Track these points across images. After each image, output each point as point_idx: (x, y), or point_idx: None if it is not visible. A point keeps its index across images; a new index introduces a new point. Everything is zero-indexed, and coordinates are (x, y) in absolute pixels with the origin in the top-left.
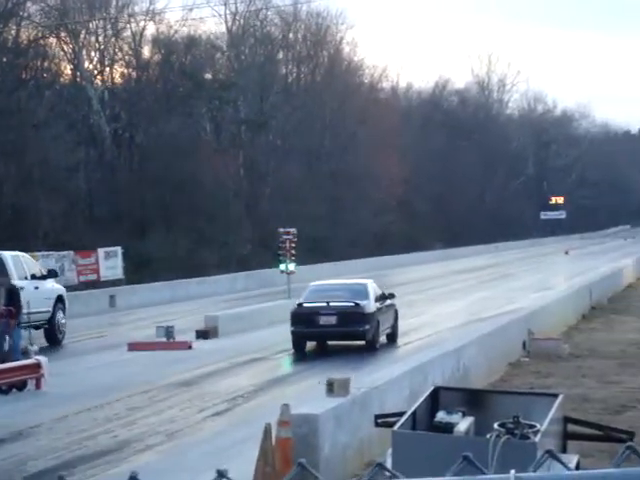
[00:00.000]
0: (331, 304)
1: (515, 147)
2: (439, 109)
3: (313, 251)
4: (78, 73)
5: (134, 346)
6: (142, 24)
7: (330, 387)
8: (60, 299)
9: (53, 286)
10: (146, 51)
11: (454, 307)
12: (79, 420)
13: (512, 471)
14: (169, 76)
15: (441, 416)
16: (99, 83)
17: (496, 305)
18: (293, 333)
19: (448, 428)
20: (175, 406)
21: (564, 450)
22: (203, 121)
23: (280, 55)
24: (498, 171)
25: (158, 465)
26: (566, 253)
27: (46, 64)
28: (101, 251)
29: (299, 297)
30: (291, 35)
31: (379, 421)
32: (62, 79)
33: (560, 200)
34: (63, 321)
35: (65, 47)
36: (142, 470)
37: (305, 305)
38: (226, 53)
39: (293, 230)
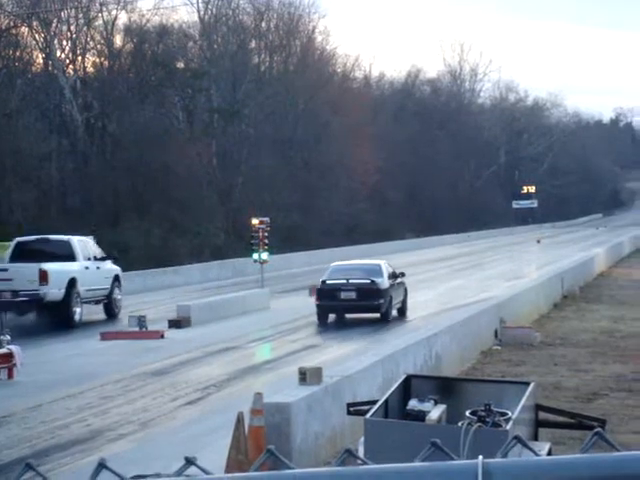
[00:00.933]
0: (350, 281)
1: (487, 136)
2: (411, 98)
3: (286, 240)
4: (50, 62)
5: (107, 335)
6: (114, 13)
7: (302, 376)
8: (117, 278)
9: (111, 267)
10: (118, 40)
11: (426, 296)
12: (52, 409)
13: (480, 457)
14: (141, 65)
15: (413, 404)
16: (71, 72)
17: (468, 294)
18: (318, 306)
19: (420, 416)
20: (148, 395)
21: (536, 438)
22: (175, 110)
23: (252, 44)
24: (470, 160)
25: (131, 454)
26: (538, 242)
27: (18, 53)
28: None
29: (322, 275)
30: (263, 24)
31: (351, 409)
32: (34, 68)
33: (532, 189)
34: (119, 297)
35: (37, 36)
36: (115, 459)
37: (328, 282)
38: (198, 42)
39: (266, 219)
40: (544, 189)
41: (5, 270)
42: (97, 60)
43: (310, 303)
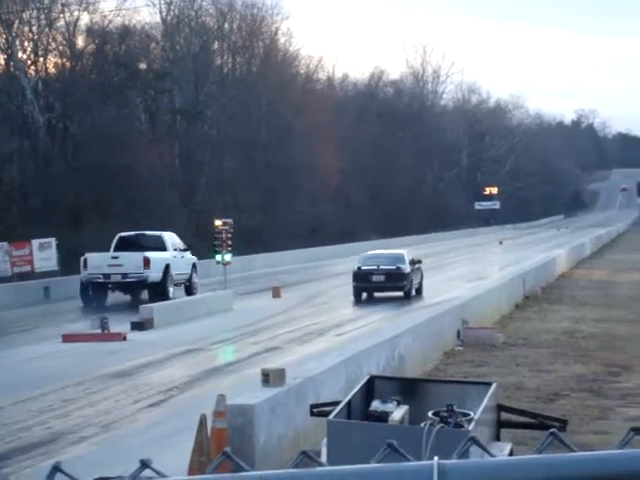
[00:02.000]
0: (380, 267)
1: (449, 138)
2: (375, 100)
3: (249, 242)
4: (12, 63)
5: (69, 337)
6: (76, 14)
7: (266, 377)
8: (194, 265)
9: (190, 256)
10: (80, 41)
11: (389, 297)
12: (13, 411)
13: (435, 458)
14: (103, 66)
15: (376, 405)
16: (33, 73)
17: (431, 295)
18: (354, 287)
19: (383, 417)
20: (110, 397)
21: (498, 438)
22: (138, 111)
23: (215, 45)
24: (433, 162)
25: (93, 457)
26: (500, 243)
27: None
28: (35, 242)
29: (357, 263)
30: (226, 25)
31: (314, 411)
32: None
33: (494, 191)
34: (196, 280)
35: None
36: (77, 461)
37: (362, 268)
38: (161, 43)
39: (230, 221)
40: (506, 190)
41: (116, 257)
42: (59, 61)
43: (273, 304)
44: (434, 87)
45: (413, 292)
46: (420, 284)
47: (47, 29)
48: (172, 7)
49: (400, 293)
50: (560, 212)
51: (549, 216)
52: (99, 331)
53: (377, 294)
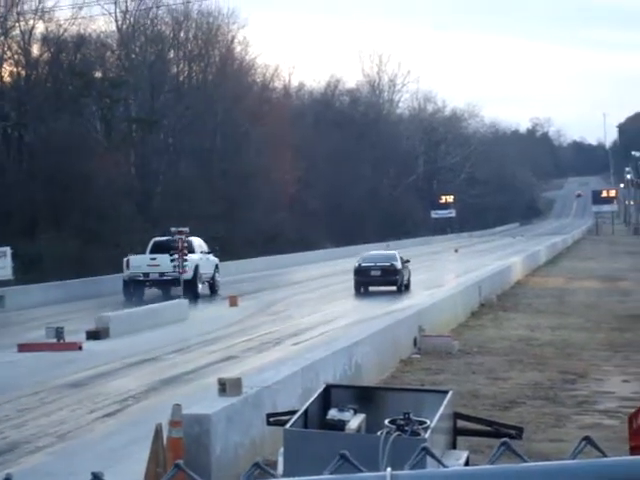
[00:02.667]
0: (377, 264)
1: (406, 146)
2: (331, 108)
3: None
4: None
5: (24, 347)
6: (31, 22)
7: (222, 387)
8: (217, 266)
9: (214, 258)
10: (35, 49)
11: (346, 305)
12: None
13: (388, 469)
14: (59, 75)
15: (333, 414)
16: None
17: (388, 303)
18: (356, 281)
19: (340, 426)
20: (65, 407)
21: (454, 446)
22: (94, 120)
23: (171, 54)
24: (389, 170)
25: (48, 467)
26: (456, 251)
27: None
28: None
29: (357, 261)
30: (182, 34)
31: (271, 420)
32: None
33: (450, 199)
34: (219, 279)
35: None
36: (32, 472)
37: (362, 265)
38: (116, 52)
39: (186, 229)
40: (462, 199)
41: (154, 259)
42: (14, 70)
43: (230, 313)
44: (390, 96)
45: (403, 287)
46: (408, 280)
47: (2, 38)
48: (128, 16)
49: (393, 288)
50: (516, 220)
51: (505, 224)
52: (55, 340)
53: (372, 288)
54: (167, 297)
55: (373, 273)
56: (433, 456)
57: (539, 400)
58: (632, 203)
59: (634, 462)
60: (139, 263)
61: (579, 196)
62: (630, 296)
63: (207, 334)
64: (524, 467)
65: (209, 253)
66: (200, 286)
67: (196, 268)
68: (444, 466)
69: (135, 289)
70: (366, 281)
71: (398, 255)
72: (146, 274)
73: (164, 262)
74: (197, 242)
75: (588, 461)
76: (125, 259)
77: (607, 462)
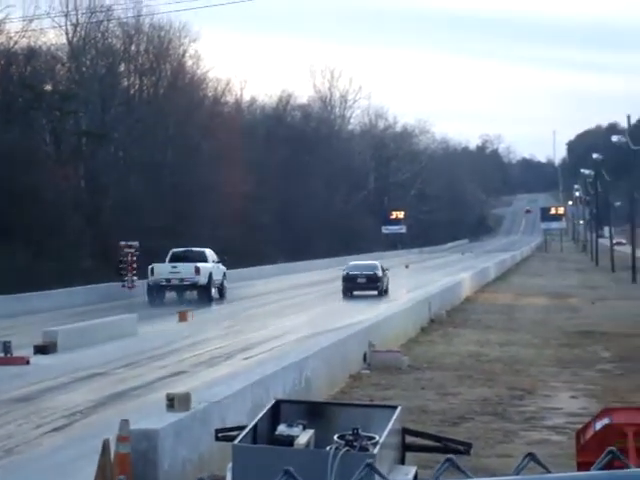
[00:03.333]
0: (362, 272)
1: (357, 162)
2: (283, 123)
3: None
4: None
5: None
6: None
7: (170, 402)
8: (224, 274)
9: (222, 267)
10: None
11: (297, 321)
12: None
13: None
14: (9, 87)
15: (282, 429)
16: None
17: (339, 318)
18: (344, 287)
19: (289, 441)
20: (12, 422)
21: (403, 462)
22: (43, 132)
23: (122, 67)
24: (341, 186)
25: None
26: (406, 267)
27: None
28: None
29: (344, 269)
30: (133, 47)
31: (220, 435)
32: None
33: (401, 215)
34: (226, 285)
35: None
36: None
37: (350, 273)
38: (67, 64)
39: (135, 244)
40: (413, 215)
41: (175, 267)
42: None
43: (180, 328)
44: (342, 112)
45: (383, 292)
46: (387, 286)
47: None
48: (78, 28)
49: (375, 292)
50: (465, 236)
51: (454, 240)
52: (2, 355)
53: (357, 292)
54: (183, 300)
55: (359, 280)
56: (377, 471)
57: (487, 416)
58: (581, 222)
59: (575, 478)
60: (162, 270)
61: (528, 212)
62: (578, 313)
63: (156, 349)
64: None
65: (219, 262)
66: (213, 290)
67: (210, 275)
68: None
69: (158, 293)
70: (353, 287)
71: (379, 264)
72: (168, 280)
73: (184, 269)
74: (209, 252)
75: (531, 477)
76: (150, 267)
77: (550, 478)
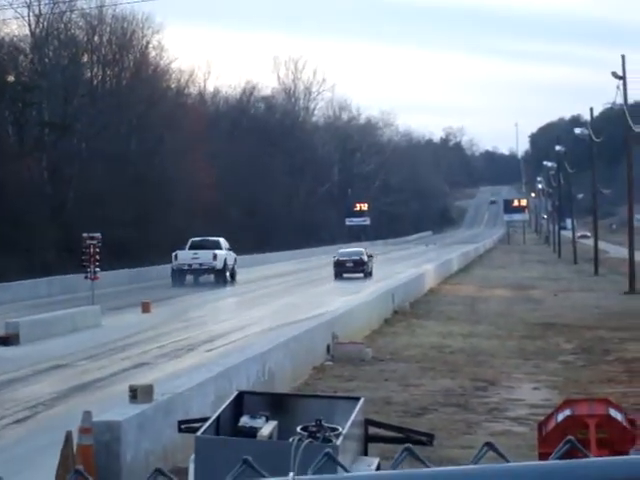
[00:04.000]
0: (350, 258)
1: (321, 154)
2: (247, 115)
3: (119, 256)
4: None
5: None
6: None
7: (133, 393)
8: (235, 259)
9: (233, 253)
10: None
11: (260, 312)
12: None
13: (291, 474)
14: None
15: (245, 421)
16: None
17: (303, 310)
18: (335, 270)
19: (251, 432)
20: None
21: (365, 453)
22: (5, 124)
23: (85, 58)
24: (305, 178)
25: None
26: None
27: None
28: None
29: (335, 256)
30: (96, 38)
31: (183, 427)
32: None
33: (364, 207)
34: (236, 270)
35: None
36: None
37: (340, 259)
38: (29, 56)
39: (98, 235)
40: (376, 207)
41: (196, 253)
42: None
43: (143, 320)
44: (306, 103)
45: (368, 274)
46: (371, 270)
47: None
48: (41, 19)
49: (361, 274)
50: (429, 228)
51: (418, 232)
52: None
53: (346, 275)
54: (199, 283)
55: (347, 264)
56: (335, 461)
57: (450, 407)
58: (545, 217)
59: (532, 467)
60: (184, 256)
61: (493, 203)
62: (541, 304)
63: (119, 341)
64: (425, 472)
65: (229, 250)
66: (227, 274)
67: (224, 260)
68: (346, 470)
69: (180, 276)
70: (342, 270)
71: (365, 251)
72: (189, 265)
73: (203, 255)
74: (223, 241)
75: (489, 466)
76: (173, 253)
77: (507, 467)
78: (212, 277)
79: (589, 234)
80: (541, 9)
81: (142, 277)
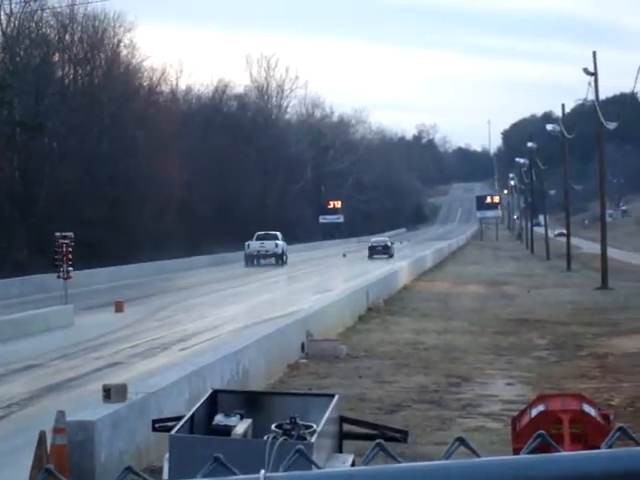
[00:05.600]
0: (380, 244)
1: (294, 152)
2: (219, 113)
3: (93, 255)
4: None
5: None
6: None
7: (107, 393)
8: (286, 247)
9: (285, 243)
10: None
11: (235, 311)
12: None
13: (262, 471)
14: None
15: (219, 419)
16: None
17: (277, 308)
18: (370, 252)
19: (226, 431)
20: None
21: (340, 450)
22: None
23: (56, 57)
24: (278, 175)
25: None
26: (344, 256)
27: None
28: None
29: (370, 242)
30: (67, 37)
31: (157, 426)
32: None
33: (338, 204)
34: (287, 255)
35: None
36: None
37: (372, 245)
38: (0, 55)
39: (70, 234)
40: (350, 204)
41: (263, 243)
42: None
43: (116, 319)
44: (278, 101)
45: (392, 256)
46: (393, 252)
47: None
48: (12, 19)
49: (386, 255)
50: (402, 225)
51: (392, 229)
52: None
53: (376, 256)
54: (261, 264)
55: (377, 248)
56: (308, 458)
57: (424, 403)
58: (516, 217)
59: (503, 461)
60: (254, 245)
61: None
62: (514, 300)
63: (93, 340)
64: (395, 467)
65: (283, 240)
66: (285, 257)
67: (282, 248)
68: (318, 467)
69: (251, 259)
70: (374, 252)
71: (389, 240)
72: (258, 251)
73: (269, 244)
74: (279, 234)
75: (460, 461)
76: (246, 243)
77: (478, 462)
78: (273, 260)
79: (565, 232)
80: (512, 6)
81: (116, 276)
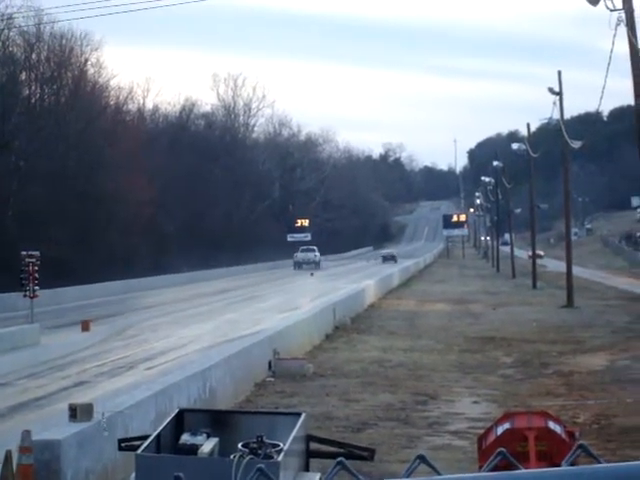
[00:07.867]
0: (389, 254)
1: (262, 170)
2: (186, 132)
3: (59, 274)
4: None
5: None
6: None
7: (73, 412)
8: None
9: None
10: None
11: (201, 330)
12: None
13: None
14: None
15: (185, 438)
16: None
17: (243, 327)
18: (382, 260)
19: (193, 450)
20: None
21: (307, 468)
22: None
23: (23, 76)
24: (245, 194)
25: None
26: (311, 274)
27: None
28: None
29: (380, 254)
30: (34, 56)
31: (123, 445)
32: None
33: (306, 222)
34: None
35: None
36: None
37: (384, 255)
38: None
39: (36, 253)
40: (317, 222)
41: (306, 254)
42: None
43: (82, 338)
44: (246, 120)
45: (396, 262)
46: (397, 260)
47: None
48: None
49: (394, 262)
50: (369, 244)
51: (359, 248)
52: None
53: (386, 263)
54: (307, 269)
55: (387, 258)
56: (269, 477)
57: (391, 421)
58: (482, 237)
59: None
60: (301, 255)
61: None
62: (480, 318)
63: (59, 359)
64: None
65: (318, 252)
66: (321, 264)
67: (319, 257)
68: None
69: (299, 265)
70: (385, 260)
71: (395, 250)
72: (304, 259)
73: (311, 254)
74: (316, 247)
75: (421, 479)
76: (295, 254)
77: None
78: (313, 265)
79: (542, 253)
80: (477, 26)
81: (83, 295)
